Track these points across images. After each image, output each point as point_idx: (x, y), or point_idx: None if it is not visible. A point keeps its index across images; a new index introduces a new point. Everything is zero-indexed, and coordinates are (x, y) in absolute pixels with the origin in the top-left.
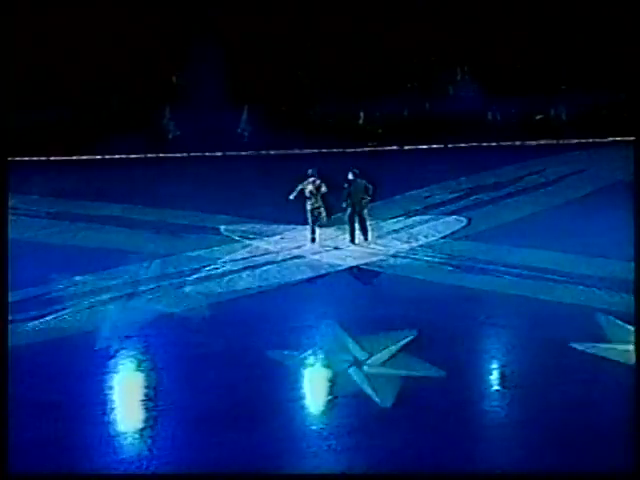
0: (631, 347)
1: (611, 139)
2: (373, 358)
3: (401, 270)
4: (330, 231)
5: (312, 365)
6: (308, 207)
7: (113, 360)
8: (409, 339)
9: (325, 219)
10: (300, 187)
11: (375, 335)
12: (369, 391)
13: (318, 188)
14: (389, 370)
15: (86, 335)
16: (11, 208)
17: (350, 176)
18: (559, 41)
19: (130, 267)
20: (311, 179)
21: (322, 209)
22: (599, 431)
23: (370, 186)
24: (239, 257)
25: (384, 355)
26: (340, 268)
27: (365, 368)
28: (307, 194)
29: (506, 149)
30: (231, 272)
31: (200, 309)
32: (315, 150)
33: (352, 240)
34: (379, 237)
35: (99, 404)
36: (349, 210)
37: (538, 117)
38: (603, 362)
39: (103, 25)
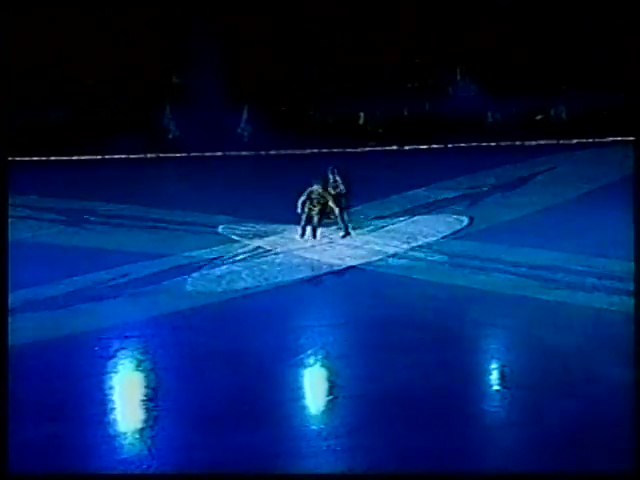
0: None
1: (611, 139)
2: None
3: (401, 270)
4: (329, 231)
5: (312, 365)
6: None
7: (113, 360)
8: None
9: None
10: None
11: None
12: None
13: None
14: None
15: (86, 335)
16: (11, 208)
17: (330, 175)
18: (559, 41)
19: (130, 267)
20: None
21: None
22: (599, 431)
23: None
24: (239, 257)
25: None
26: (339, 268)
27: None
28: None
29: (506, 149)
30: (231, 272)
31: (200, 309)
32: (315, 150)
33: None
34: (379, 237)
35: (99, 404)
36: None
37: (538, 117)
38: (603, 362)
39: (103, 25)
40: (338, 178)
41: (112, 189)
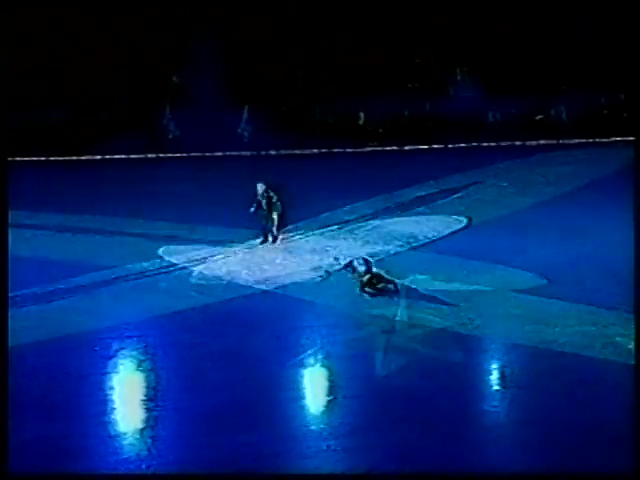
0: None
1: (611, 139)
2: None
3: (401, 270)
4: (329, 232)
5: (312, 365)
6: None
7: (113, 360)
8: None
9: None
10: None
11: None
12: None
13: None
14: None
15: (86, 335)
16: (11, 208)
17: (259, 189)
18: (559, 41)
19: (130, 267)
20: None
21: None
22: (599, 431)
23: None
24: (239, 257)
25: None
26: (340, 267)
27: None
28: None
29: (506, 149)
30: (231, 272)
31: (200, 309)
32: (315, 150)
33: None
34: (379, 237)
35: (99, 404)
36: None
37: (538, 117)
38: (603, 362)
39: (103, 25)
40: (272, 194)
41: (112, 189)
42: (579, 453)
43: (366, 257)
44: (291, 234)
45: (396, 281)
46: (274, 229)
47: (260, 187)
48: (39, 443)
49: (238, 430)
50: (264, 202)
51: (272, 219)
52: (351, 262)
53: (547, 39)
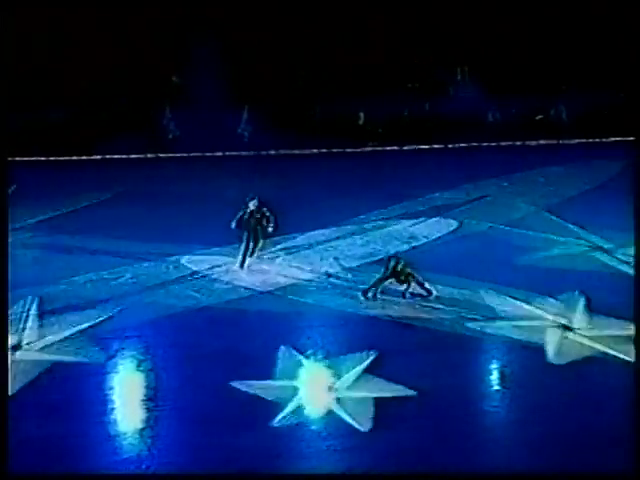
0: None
1: (611, 139)
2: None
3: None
4: (329, 232)
5: (312, 365)
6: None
7: (113, 360)
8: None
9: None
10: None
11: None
12: (345, 416)
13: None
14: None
15: (86, 335)
16: (10, 208)
17: (251, 205)
18: (559, 41)
19: (130, 267)
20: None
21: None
22: (599, 431)
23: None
24: (240, 257)
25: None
26: (340, 268)
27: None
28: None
29: (506, 149)
30: (231, 272)
31: (200, 310)
32: (315, 150)
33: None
34: (379, 237)
35: (99, 404)
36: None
37: (538, 117)
38: (603, 362)
39: (103, 25)
40: (267, 212)
41: (112, 189)
42: (579, 453)
43: None
44: (291, 234)
45: (409, 279)
46: (252, 251)
47: (252, 204)
48: (39, 443)
49: (238, 430)
50: (253, 220)
51: (255, 240)
52: (365, 292)
53: (547, 39)
